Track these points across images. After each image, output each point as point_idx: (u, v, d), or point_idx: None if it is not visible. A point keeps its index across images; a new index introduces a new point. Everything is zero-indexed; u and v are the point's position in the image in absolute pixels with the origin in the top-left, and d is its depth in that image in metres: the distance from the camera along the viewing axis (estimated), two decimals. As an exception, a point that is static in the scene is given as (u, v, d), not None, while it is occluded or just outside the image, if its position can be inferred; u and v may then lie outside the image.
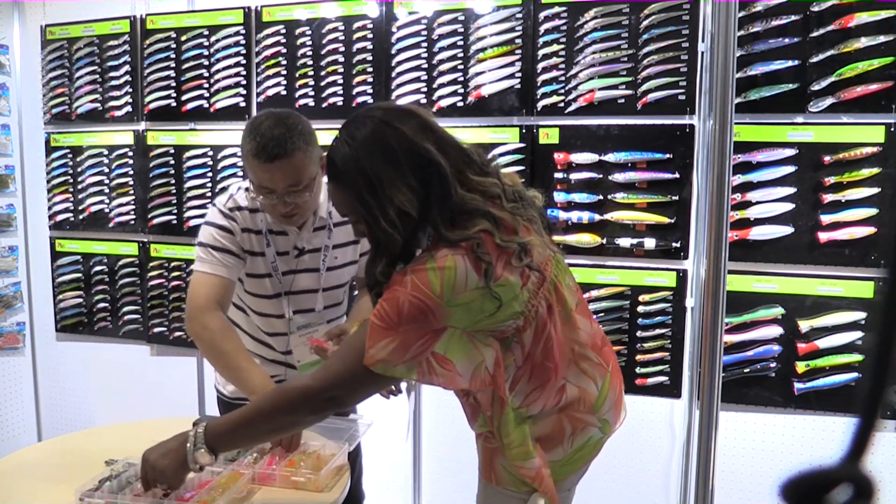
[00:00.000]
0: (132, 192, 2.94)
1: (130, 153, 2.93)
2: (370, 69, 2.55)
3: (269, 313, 1.72)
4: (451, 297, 1.12)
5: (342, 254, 1.73)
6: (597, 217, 2.28)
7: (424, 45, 2.48)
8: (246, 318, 1.76)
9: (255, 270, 1.66)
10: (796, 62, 2.09)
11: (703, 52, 2.18)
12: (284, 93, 2.66)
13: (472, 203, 1.16)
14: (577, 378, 1.28)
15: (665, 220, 2.23)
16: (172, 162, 2.86)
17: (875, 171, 2.04)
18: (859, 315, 2.08)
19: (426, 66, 2.48)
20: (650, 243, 2.25)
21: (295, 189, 1.49)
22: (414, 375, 1.15)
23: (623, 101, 2.26)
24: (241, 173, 2.75)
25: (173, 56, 2.83)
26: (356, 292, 1.93)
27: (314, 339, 1.58)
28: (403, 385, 1.54)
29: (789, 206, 2.12)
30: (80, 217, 3.03)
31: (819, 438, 2.18)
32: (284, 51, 2.66)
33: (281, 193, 1.49)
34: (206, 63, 2.78)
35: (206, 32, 2.77)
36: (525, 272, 1.18)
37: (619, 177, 2.26)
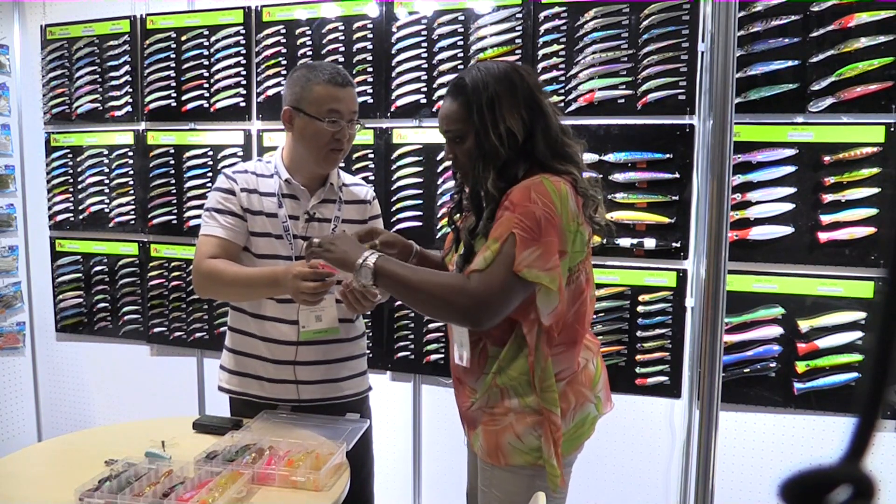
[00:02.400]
0: (132, 192, 2.94)
1: (130, 153, 2.93)
2: (370, 69, 2.55)
3: None
4: (566, 219, 1.31)
5: (350, 230, 1.77)
6: (597, 217, 2.28)
7: (424, 45, 2.48)
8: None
9: (265, 229, 1.71)
10: (796, 62, 2.09)
11: (703, 52, 2.18)
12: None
13: (569, 150, 1.40)
14: (583, 351, 1.44)
15: (665, 220, 2.24)
16: (172, 162, 2.86)
17: (875, 171, 2.04)
18: (859, 315, 2.09)
19: (426, 66, 2.48)
20: (650, 243, 2.25)
21: (354, 117, 1.68)
22: (556, 286, 1.29)
23: (623, 101, 2.26)
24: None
25: (173, 56, 2.83)
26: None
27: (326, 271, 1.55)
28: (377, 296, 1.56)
29: (789, 206, 2.12)
30: (80, 217, 3.03)
31: (819, 438, 2.18)
32: (284, 51, 2.66)
33: (346, 118, 1.65)
34: (206, 63, 2.78)
35: (206, 32, 2.77)
36: (589, 231, 1.39)
37: (619, 177, 2.26)
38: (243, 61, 2.73)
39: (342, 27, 2.58)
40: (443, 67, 2.45)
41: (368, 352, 1.95)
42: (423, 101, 2.49)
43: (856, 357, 2.09)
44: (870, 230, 2.06)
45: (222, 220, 1.68)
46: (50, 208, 3.07)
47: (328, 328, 1.68)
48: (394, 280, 1.35)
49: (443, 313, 1.38)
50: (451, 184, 2.44)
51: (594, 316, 2.30)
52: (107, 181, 2.98)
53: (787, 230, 2.13)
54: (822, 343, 2.11)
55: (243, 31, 2.72)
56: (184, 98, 2.82)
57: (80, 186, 3.02)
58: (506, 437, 1.39)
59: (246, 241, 1.71)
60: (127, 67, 2.90)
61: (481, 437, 1.43)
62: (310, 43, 2.62)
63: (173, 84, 2.83)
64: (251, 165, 1.78)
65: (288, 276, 1.51)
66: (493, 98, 1.35)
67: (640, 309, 2.29)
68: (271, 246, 1.70)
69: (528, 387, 1.38)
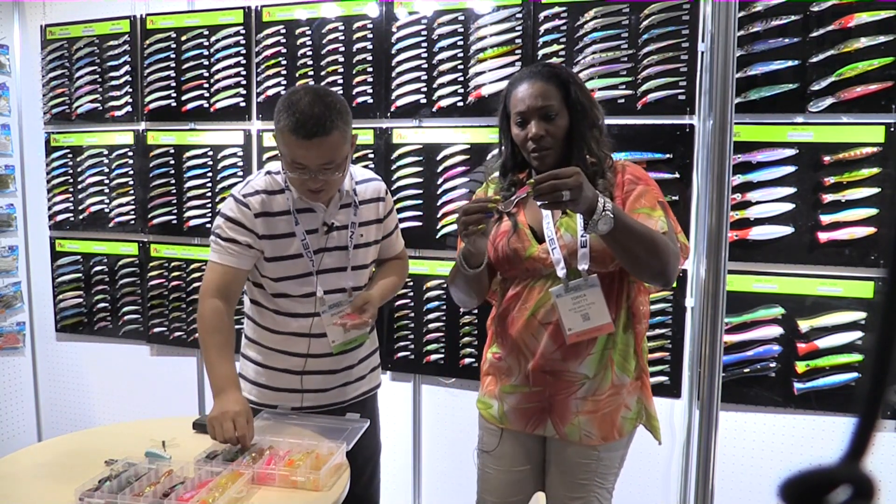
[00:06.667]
0: (132, 192, 2.94)
1: (130, 153, 2.93)
2: (370, 69, 2.55)
3: (299, 294, 1.68)
4: None
5: (367, 232, 1.75)
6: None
7: (424, 45, 2.48)
8: (268, 313, 1.72)
9: (283, 252, 1.65)
10: (796, 62, 2.09)
11: (703, 52, 2.18)
12: (284, 93, 2.65)
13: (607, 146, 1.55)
14: None
15: (665, 220, 2.23)
16: (172, 162, 2.86)
17: (875, 171, 2.04)
18: (859, 315, 2.08)
19: (426, 66, 2.48)
20: (650, 243, 2.25)
21: (328, 167, 1.52)
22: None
23: (623, 101, 2.26)
24: (241, 173, 2.75)
25: (173, 56, 2.83)
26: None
27: (348, 315, 1.63)
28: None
29: (789, 206, 2.12)
30: (80, 217, 3.03)
31: (819, 438, 2.18)
32: (284, 51, 2.66)
33: (314, 170, 1.51)
34: (206, 63, 2.78)
35: (206, 32, 2.77)
36: None
37: (619, 177, 2.26)
38: (243, 61, 2.73)
39: (342, 27, 2.58)
40: (443, 67, 2.45)
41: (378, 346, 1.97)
42: (423, 101, 2.49)
43: (856, 357, 2.09)
44: (870, 230, 2.06)
45: (227, 247, 1.62)
46: (50, 208, 3.07)
47: (356, 337, 1.72)
48: (629, 227, 1.36)
49: (663, 263, 1.39)
50: (452, 184, 2.45)
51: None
52: (107, 181, 2.98)
53: (787, 230, 2.13)
54: (822, 343, 2.11)
55: (243, 31, 2.72)
56: (184, 98, 2.82)
57: (80, 186, 3.02)
58: (620, 413, 1.53)
59: (256, 263, 1.67)
60: (127, 67, 2.90)
61: (589, 423, 1.51)
62: (310, 43, 2.62)
63: (173, 84, 2.83)
64: (261, 182, 1.66)
65: (223, 406, 1.50)
66: (582, 85, 1.53)
67: (640, 309, 2.28)
68: (284, 269, 1.66)
69: (632, 356, 1.53)
